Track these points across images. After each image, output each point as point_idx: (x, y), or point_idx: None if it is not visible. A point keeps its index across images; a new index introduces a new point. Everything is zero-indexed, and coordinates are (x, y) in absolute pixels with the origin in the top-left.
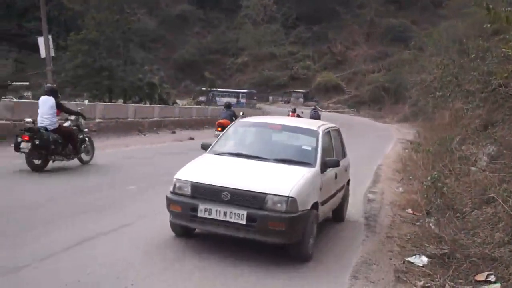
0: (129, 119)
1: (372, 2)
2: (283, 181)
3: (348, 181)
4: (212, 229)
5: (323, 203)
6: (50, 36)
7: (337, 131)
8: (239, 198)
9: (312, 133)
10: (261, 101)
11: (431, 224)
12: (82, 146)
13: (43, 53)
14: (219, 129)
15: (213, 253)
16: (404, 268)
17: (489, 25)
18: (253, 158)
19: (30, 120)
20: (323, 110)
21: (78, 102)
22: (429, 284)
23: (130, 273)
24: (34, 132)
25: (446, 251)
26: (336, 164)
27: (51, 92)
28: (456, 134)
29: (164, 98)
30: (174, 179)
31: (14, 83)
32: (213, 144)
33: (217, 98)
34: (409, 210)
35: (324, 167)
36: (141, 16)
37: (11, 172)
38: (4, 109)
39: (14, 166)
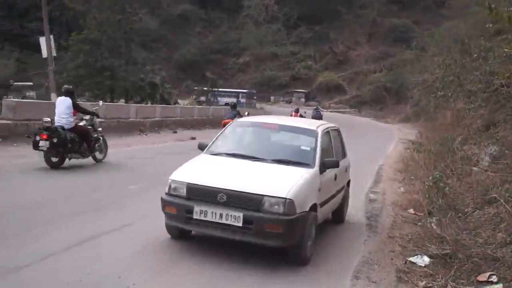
0: (130, 119)
1: (374, 2)
2: (280, 182)
3: (348, 182)
4: (208, 231)
5: (322, 204)
6: (51, 36)
7: (337, 131)
8: (235, 199)
9: (311, 133)
10: (262, 101)
11: (433, 224)
12: (96, 145)
13: (44, 53)
14: None
15: (209, 256)
16: (406, 268)
17: (491, 25)
18: (250, 159)
19: (49, 119)
20: (325, 110)
21: (93, 103)
22: (431, 284)
23: (131, 273)
24: (52, 131)
25: (448, 251)
26: (336, 164)
27: (68, 93)
28: (458, 134)
29: (166, 98)
30: (169, 180)
31: (17, 83)
32: (209, 144)
33: (219, 98)
34: (411, 210)
35: (323, 167)
36: (143, 16)
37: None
38: (6, 109)
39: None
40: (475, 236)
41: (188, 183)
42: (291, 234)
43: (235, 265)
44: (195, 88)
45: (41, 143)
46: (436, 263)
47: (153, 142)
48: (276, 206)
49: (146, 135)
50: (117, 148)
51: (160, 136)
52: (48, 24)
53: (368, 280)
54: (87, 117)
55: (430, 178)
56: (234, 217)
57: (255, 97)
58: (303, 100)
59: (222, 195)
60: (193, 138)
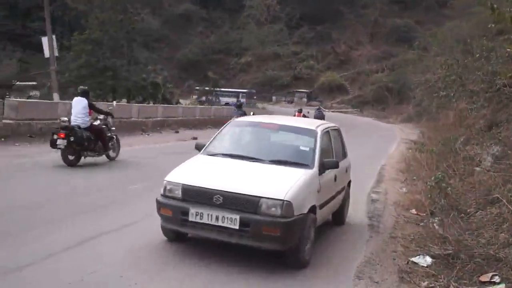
0: (132, 118)
1: (376, 2)
2: (278, 184)
3: (349, 182)
4: (203, 234)
5: (322, 206)
6: (54, 36)
7: (337, 130)
8: (231, 201)
9: (310, 133)
10: (264, 101)
11: (435, 225)
12: (110, 143)
13: (47, 53)
14: None
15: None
16: (408, 269)
17: (493, 25)
18: (248, 159)
19: (66, 119)
20: (327, 110)
21: (107, 102)
22: (433, 285)
23: (133, 272)
24: (69, 130)
25: (450, 251)
26: (335, 165)
27: (84, 94)
28: (460, 134)
29: (168, 98)
30: (165, 182)
31: (21, 83)
32: (207, 144)
33: (220, 98)
34: (413, 211)
35: (323, 168)
36: (145, 16)
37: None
38: (8, 108)
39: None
40: (478, 236)
41: (183, 185)
42: (289, 237)
43: (231, 268)
44: (197, 88)
45: (59, 141)
46: (439, 263)
47: (155, 142)
48: (273, 208)
49: (148, 135)
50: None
51: (162, 136)
52: (51, 24)
53: (370, 280)
54: (102, 116)
55: (432, 178)
56: (231, 220)
57: (255, 97)
58: (305, 100)
59: (218, 197)
60: (195, 138)
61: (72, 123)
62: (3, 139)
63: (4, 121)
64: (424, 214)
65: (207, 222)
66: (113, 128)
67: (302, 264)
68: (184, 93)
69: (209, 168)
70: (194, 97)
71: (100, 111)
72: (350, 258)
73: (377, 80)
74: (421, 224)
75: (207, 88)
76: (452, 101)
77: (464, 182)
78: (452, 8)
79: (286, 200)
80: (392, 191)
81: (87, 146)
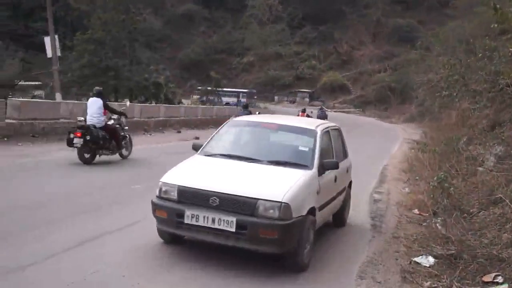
0: (135, 118)
1: (379, 2)
2: (276, 185)
3: (350, 183)
4: (199, 236)
5: (321, 208)
6: (56, 36)
7: (338, 130)
8: (228, 203)
9: (310, 133)
10: (266, 101)
11: (437, 225)
12: (123, 142)
13: (49, 53)
14: None
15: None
16: (410, 269)
17: (496, 25)
18: (245, 160)
19: (82, 118)
20: (329, 110)
21: (121, 103)
22: (435, 285)
23: (135, 272)
24: (85, 129)
25: (453, 251)
26: (335, 166)
27: (99, 95)
28: (463, 134)
29: (170, 98)
30: (160, 183)
31: (25, 83)
32: (204, 144)
33: (223, 98)
34: (416, 211)
35: (322, 169)
36: (147, 16)
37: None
38: (11, 108)
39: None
40: (480, 236)
41: (179, 186)
42: (287, 240)
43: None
44: (199, 88)
45: (75, 140)
46: (441, 263)
47: (157, 141)
48: (271, 211)
49: (150, 134)
50: None
51: (164, 136)
52: (53, 24)
53: (372, 280)
54: (115, 116)
55: (435, 178)
56: (227, 222)
57: (255, 97)
58: (307, 100)
59: (215, 199)
60: (197, 138)
61: (88, 123)
62: (5, 139)
63: (6, 120)
64: (427, 214)
65: (203, 225)
66: (126, 128)
67: (301, 268)
68: (186, 93)
69: (206, 169)
70: (195, 97)
71: (114, 111)
72: (352, 260)
73: (379, 80)
74: (424, 224)
75: (209, 88)
76: (455, 101)
77: (467, 182)
78: (454, 8)
79: (284, 202)
80: (394, 191)
81: (102, 144)
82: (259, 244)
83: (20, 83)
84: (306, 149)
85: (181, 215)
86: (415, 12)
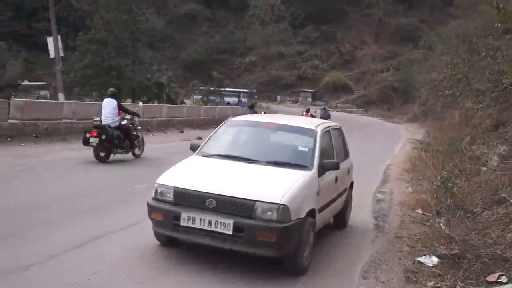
0: None
1: (381, 2)
2: (274, 187)
3: (351, 184)
4: (196, 239)
5: (321, 209)
6: (59, 36)
7: (338, 130)
8: (225, 205)
9: (310, 132)
10: (269, 100)
11: (441, 224)
12: (136, 141)
13: (52, 53)
14: None
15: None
16: (414, 268)
17: (499, 24)
18: (243, 161)
19: (98, 119)
20: (332, 109)
21: (134, 103)
22: (439, 285)
23: (139, 272)
24: (101, 128)
25: (456, 251)
26: (336, 166)
27: (113, 96)
28: (466, 133)
29: (172, 98)
30: (156, 184)
31: (29, 83)
32: (201, 145)
33: (225, 98)
34: (419, 210)
35: (322, 170)
36: (149, 16)
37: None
38: (14, 108)
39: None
40: (484, 236)
41: (175, 187)
42: (285, 243)
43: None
44: (201, 88)
45: (91, 139)
46: (445, 263)
47: (160, 141)
48: (269, 213)
49: (153, 134)
50: None
51: (167, 136)
52: (56, 24)
53: (376, 280)
54: (128, 116)
55: (438, 178)
56: (224, 225)
57: (256, 97)
58: (309, 100)
59: (211, 201)
60: (200, 138)
61: (103, 123)
62: (9, 139)
63: (10, 121)
64: (430, 214)
65: (200, 227)
66: (139, 128)
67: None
68: (189, 93)
69: (203, 170)
70: (195, 97)
71: (127, 111)
72: (354, 261)
73: (382, 80)
74: (427, 224)
75: (211, 88)
76: (458, 101)
77: (470, 182)
78: (457, 7)
79: (283, 204)
80: (397, 191)
81: (117, 144)
82: (257, 247)
83: (23, 83)
84: (306, 149)
85: (177, 217)
86: (418, 11)
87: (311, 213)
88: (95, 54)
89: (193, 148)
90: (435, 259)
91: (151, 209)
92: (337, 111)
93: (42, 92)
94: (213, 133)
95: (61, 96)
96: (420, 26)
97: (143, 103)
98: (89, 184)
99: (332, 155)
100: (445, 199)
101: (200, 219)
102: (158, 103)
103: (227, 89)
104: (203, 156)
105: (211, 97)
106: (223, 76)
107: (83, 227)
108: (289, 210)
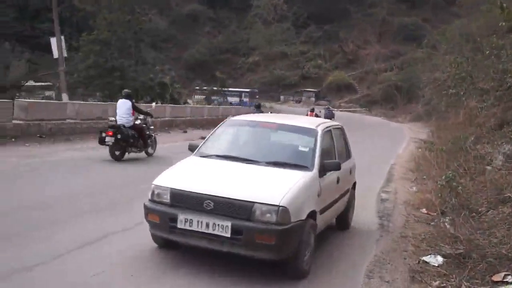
0: None
1: (384, 1)
2: (273, 188)
3: (354, 184)
4: (193, 242)
5: (323, 211)
6: (62, 37)
7: (340, 129)
8: (223, 207)
9: (310, 132)
10: (272, 100)
11: (446, 224)
12: (149, 141)
13: (55, 54)
14: None
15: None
16: (419, 268)
17: (503, 23)
18: (242, 161)
19: (113, 118)
20: (335, 109)
21: (147, 104)
22: (444, 284)
23: (144, 272)
24: (116, 128)
25: (461, 251)
26: (337, 167)
27: (127, 96)
28: (471, 133)
29: (176, 98)
30: (152, 185)
31: (33, 83)
32: (200, 145)
33: (228, 98)
34: (424, 210)
35: (323, 170)
36: (152, 16)
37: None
38: (18, 109)
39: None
40: (489, 235)
41: (172, 189)
42: (285, 245)
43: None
44: (204, 88)
45: (107, 138)
46: (450, 263)
47: (163, 142)
48: (268, 215)
49: (157, 134)
50: None
51: (170, 136)
52: (59, 25)
53: (381, 280)
54: (142, 116)
55: (443, 177)
56: (222, 227)
57: (257, 96)
58: (313, 99)
59: (209, 202)
60: (203, 138)
61: (118, 123)
62: (13, 140)
63: (14, 121)
64: (435, 213)
65: (197, 230)
66: (152, 127)
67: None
68: (192, 92)
69: (200, 171)
70: (197, 97)
71: (141, 112)
72: (358, 262)
73: (385, 79)
74: (432, 223)
75: (215, 88)
76: (462, 100)
77: (475, 181)
78: (460, 6)
79: (282, 206)
80: (402, 191)
81: (132, 143)
82: (256, 250)
83: (28, 84)
84: (306, 149)
85: (174, 219)
86: (421, 10)
87: (312, 215)
88: (98, 54)
89: (192, 149)
90: (440, 259)
91: (147, 211)
92: (341, 110)
93: (48, 93)
94: (212, 133)
95: (64, 97)
96: (423, 25)
97: (146, 103)
98: (90, 184)
99: (333, 155)
100: (449, 199)
101: (198, 221)
102: (161, 103)
103: (230, 89)
104: (201, 156)
105: (213, 97)
106: (226, 76)
107: (87, 227)
108: (288, 212)
